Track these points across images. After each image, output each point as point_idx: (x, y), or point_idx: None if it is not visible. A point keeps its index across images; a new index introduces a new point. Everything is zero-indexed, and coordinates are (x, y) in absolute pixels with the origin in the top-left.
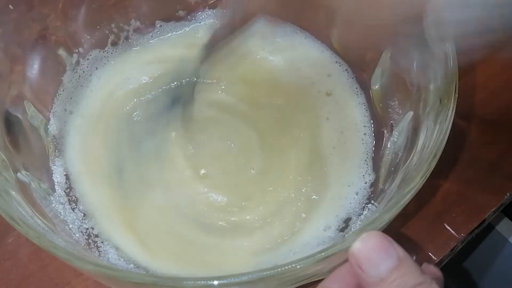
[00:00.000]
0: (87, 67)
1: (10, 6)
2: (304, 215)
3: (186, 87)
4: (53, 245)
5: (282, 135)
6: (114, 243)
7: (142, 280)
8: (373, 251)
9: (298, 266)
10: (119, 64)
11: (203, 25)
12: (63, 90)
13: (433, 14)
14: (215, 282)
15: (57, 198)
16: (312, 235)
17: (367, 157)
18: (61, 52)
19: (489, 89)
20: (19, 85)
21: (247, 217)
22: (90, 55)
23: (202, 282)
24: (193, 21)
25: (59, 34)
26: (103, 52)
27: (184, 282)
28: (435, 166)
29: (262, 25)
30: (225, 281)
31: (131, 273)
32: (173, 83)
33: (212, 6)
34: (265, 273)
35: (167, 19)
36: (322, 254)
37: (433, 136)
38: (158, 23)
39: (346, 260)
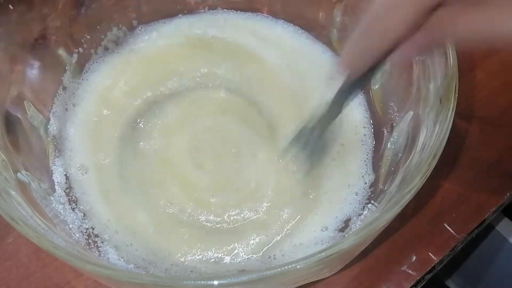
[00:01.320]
0: (87, 67)
1: (10, 6)
2: (301, 216)
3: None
4: (53, 245)
5: (282, 139)
6: (114, 243)
7: (142, 280)
8: None
9: (298, 266)
10: (120, 63)
11: (203, 25)
12: (63, 90)
13: None
14: (215, 282)
15: (57, 198)
16: (311, 235)
17: (367, 158)
18: (61, 52)
19: (489, 89)
20: (19, 85)
21: (244, 217)
22: (90, 55)
23: (202, 282)
24: (193, 21)
25: (59, 34)
26: (104, 51)
27: (184, 282)
28: (435, 166)
29: (260, 23)
30: (225, 281)
31: (131, 273)
32: (174, 82)
33: (212, 7)
34: (265, 273)
35: (167, 19)
36: (322, 254)
37: (433, 136)
38: (158, 22)
39: None
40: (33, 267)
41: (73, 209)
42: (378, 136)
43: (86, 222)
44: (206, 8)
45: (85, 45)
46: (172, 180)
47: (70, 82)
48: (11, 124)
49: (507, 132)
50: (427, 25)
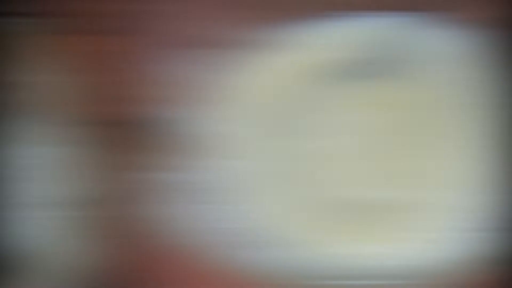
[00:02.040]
0: (234, 64)
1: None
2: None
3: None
4: None
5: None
6: (270, 244)
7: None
8: None
9: None
10: (270, 60)
11: (362, 29)
12: (207, 88)
13: None
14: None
15: (206, 198)
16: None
17: None
18: (208, 51)
19: None
20: (163, 85)
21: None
22: (234, 54)
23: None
24: (353, 24)
25: (204, 34)
26: (249, 51)
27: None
28: None
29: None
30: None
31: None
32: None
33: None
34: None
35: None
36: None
37: None
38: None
39: None
40: None
41: (223, 210)
42: None
43: (239, 223)
44: (365, 10)
45: (229, 45)
46: (332, 178)
47: (215, 80)
48: (154, 125)
49: None
50: None
